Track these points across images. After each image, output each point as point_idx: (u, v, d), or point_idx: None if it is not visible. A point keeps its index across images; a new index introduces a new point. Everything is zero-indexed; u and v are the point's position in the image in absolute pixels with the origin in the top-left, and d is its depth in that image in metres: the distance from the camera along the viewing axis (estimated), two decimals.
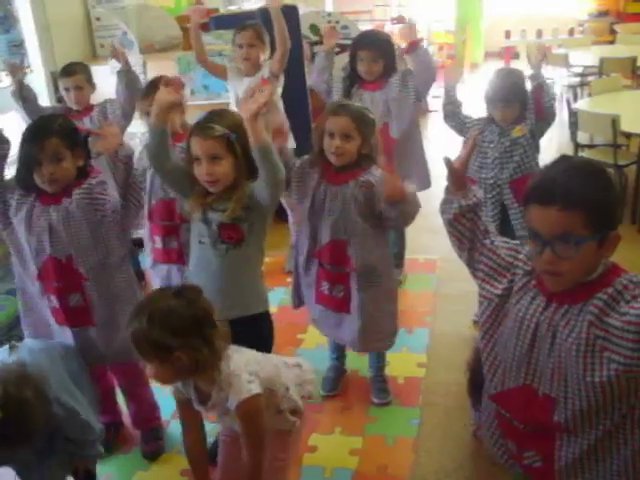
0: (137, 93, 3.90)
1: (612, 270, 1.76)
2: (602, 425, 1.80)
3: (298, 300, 3.36)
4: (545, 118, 3.54)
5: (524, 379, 1.88)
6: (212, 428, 2.80)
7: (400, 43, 4.20)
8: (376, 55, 4.04)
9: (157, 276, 3.69)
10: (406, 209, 2.88)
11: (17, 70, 4.18)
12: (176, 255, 3.55)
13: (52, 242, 2.74)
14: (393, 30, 10.63)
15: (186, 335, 2.08)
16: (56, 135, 2.66)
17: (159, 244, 3.59)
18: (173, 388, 2.30)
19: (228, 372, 2.16)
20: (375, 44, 4.09)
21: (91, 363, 2.89)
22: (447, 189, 2.13)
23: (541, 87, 3.51)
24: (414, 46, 4.04)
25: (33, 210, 2.73)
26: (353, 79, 4.20)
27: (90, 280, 2.80)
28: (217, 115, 2.69)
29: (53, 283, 2.80)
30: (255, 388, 2.16)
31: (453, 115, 3.78)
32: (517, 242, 2.02)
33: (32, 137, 2.68)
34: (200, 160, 2.59)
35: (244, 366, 2.21)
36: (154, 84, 3.36)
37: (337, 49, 6.62)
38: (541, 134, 3.60)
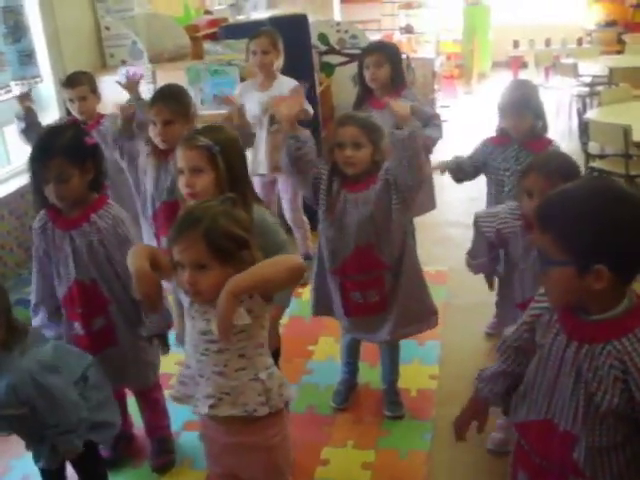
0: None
1: (637, 311, 1.71)
2: (615, 465, 1.77)
3: (318, 309, 3.29)
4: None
5: (546, 413, 1.85)
6: None
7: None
8: (381, 59, 4.03)
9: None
10: (414, 132, 2.86)
11: (25, 99, 4.16)
12: None
13: (77, 266, 2.72)
14: (401, 40, 10.71)
15: (248, 232, 2.04)
16: (60, 154, 2.60)
17: (166, 244, 3.55)
18: (180, 285, 2.09)
19: None
20: (380, 49, 4.12)
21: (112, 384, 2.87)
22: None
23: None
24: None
25: (54, 237, 2.73)
26: (362, 96, 4.18)
27: (114, 302, 2.79)
28: (208, 129, 2.65)
29: (77, 309, 2.77)
30: None
31: (464, 178, 3.73)
32: None
33: (37, 157, 2.64)
34: (182, 171, 2.53)
35: None
36: (162, 94, 3.36)
37: (346, 59, 6.68)
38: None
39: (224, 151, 2.47)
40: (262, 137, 4.45)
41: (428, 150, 3.98)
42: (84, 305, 2.77)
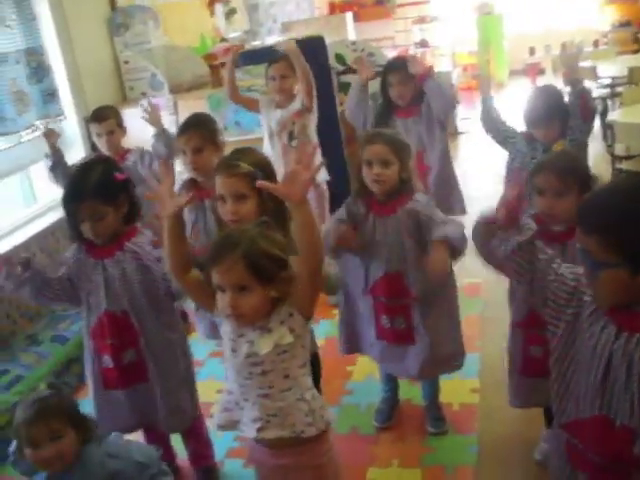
0: (175, 151, 3.88)
1: None
2: None
3: (348, 346, 3.30)
4: (593, 118, 3.59)
5: (599, 409, 1.80)
6: None
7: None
8: (405, 78, 4.05)
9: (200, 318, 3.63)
10: None
11: (51, 135, 4.21)
12: None
13: (108, 296, 2.73)
14: (418, 54, 10.71)
15: (286, 254, 2.04)
16: (92, 196, 2.62)
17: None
18: (222, 308, 2.06)
19: None
20: (404, 67, 4.11)
21: (146, 427, 2.86)
22: (500, 226, 2.05)
23: (584, 89, 3.57)
24: (423, 78, 4.06)
25: (86, 267, 2.74)
26: (386, 108, 4.20)
27: (144, 335, 2.78)
28: (241, 153, 2.66)
29: (107, 340, 2.77)
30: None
31: (492, 127, 3.80)
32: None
33: (70, 198, 2.67)
34: (224, 198, 2.55)
35: None
36: (189, 122, 3.38)
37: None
38: (587, 136, 3.60)
39: (264, 174, 2.48)
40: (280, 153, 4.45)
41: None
42: (114, 336, 2.76)
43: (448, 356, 3.14)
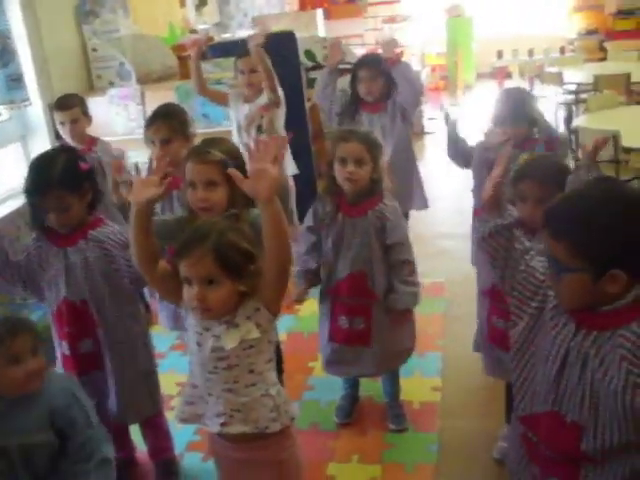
0: None
1: None
2: (631, 463, 1.75)
3: None
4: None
5: (552, 404, 1.83)
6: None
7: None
8: (375, 74, 4.08)
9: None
10: None
11: None
12: None
13: (68, 284, 2.69)
14: (396, 39, 10.72)
15: (254, 247, 2.04)
16: (57, 187, 2.57)
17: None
18: (188, 301, 2.05)
19: None
20: (374, 63, 4.14)
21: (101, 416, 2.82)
22: (484, 208, 2.10)
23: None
24: (394, 61, 4.09)
25: (49, 253, 2.69)
26: (354, 102, 4.21)
27: (102, 326, 2.73)
28: (213, 142, 2.65)
29: (65, 328, 2.74)
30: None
31: (457, 156, 3.73)
32: None
33: (34, 189, 2.61)
34: (195, 185, 2.54)
35: None
36: (158, 113, 3.34)
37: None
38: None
39: (235, 163, 2.47)
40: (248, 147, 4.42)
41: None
42: (72, 325, 2.73)
43: (402, 351, 3.20)
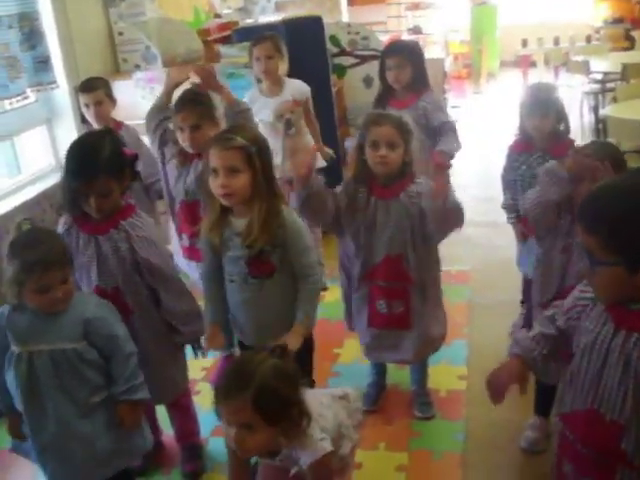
0: None
1: None
2: None
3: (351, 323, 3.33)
4: None
5: (591, 402, 1.82)
6: None
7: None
8: (404, 62, 4.00)
9: (191, 272, 3.59)
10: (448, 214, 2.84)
11: None
12: (187, 252, 3.53)
13: (100, 272, 2.68)
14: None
15: (297, 390, 2.04)
16: (104, 172, 2.56)
17: (186, 242, 3.52)
18: (228, 440, 2.15)
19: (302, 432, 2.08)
20: (402, 50, 4.08)
21: None
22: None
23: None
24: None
25: (78, 241, 2.68)
26: (384, 95, 4.14)
27: (137, 312, 2.73)
28: (237, 128, 2.65)
29: None
30: (327, 446, 2.10)
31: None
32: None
33: (78, 172, 2.58)
34: (217, 172, 2.52)
35: (315, 418, 2.13)
36: (185, 99, 3.31)
37: (356, 60, 6.65)
38: None
39: (259, 151, 2.45)
40: (277, 143, 4.33)
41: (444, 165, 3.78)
42: None
43: (438, 337, 3.20)
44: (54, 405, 2.39)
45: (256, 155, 2.50)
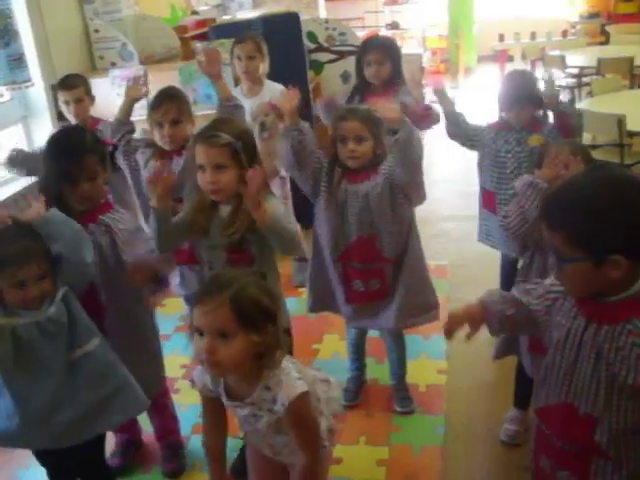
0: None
1: None
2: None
3: (318, 304, 3.31)
4: (573, 135, 3.44)
5: (565, 397, 1.84)
6: (234, 443, 2.75)
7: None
8: (383, 58, 4.01)
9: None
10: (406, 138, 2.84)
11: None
12: (187, 256, 3.45)
13: None
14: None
15: (277, 308, 1.98)
16: (92, 151, 2.59)
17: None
18: (199, 385, 2.14)
19: (279, 368, 2.01)
20: (382, 46, 4.07)
21: None
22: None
23: (563, 113, 3.42)
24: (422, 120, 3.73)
25: None
26: (361, 89, 4.14)
27: (111, 311, 2.71)
28: (222, 123, 2.65)
29: None
30: (304, 385, 2.01)
31: (458, 134, 3.71)
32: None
33: (67, 153, 2.59)
34: (204, 168, 2.54)
35: (291, 365, 2.07)
36: (165, 94, 3.30)
37: (335, 56, 6.64)
38: None
39: (244, 145, 2.46)
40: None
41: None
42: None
43: (422, 306, 3.17)
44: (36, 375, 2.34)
45: (242, 150, 2.52)
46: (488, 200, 3.63)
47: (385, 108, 2.89)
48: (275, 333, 1.93)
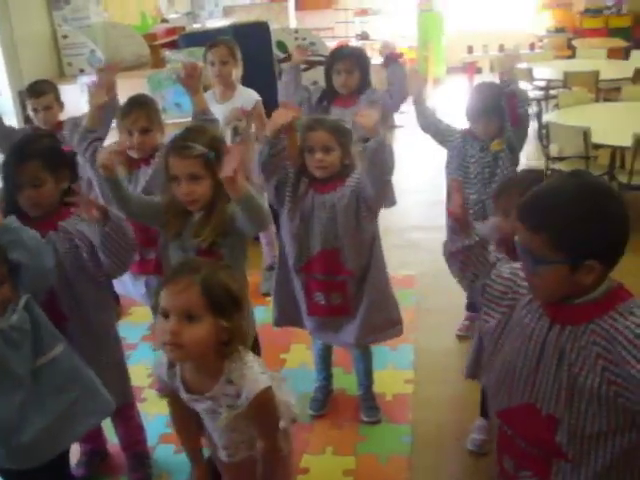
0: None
1: (616, 292, 1.75)
2: (602, 458, 1.78)
3: (282, 319, 3.31)
4: (521, 124, 3.52)
5: (528, 397, 1.85)
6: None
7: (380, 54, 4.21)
8: (352, 67, 4.03)
9: (135, 292, 3.57)
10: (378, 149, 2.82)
11: None
12: (153, 266, 3.43)
13: None
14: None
15: (242, 296, 1.98)
16: (37, 158, 2.55)
17: (136, 256, 3.45)
18: (157, 378, 2.15)
19: (242, 362, 1.99)
20: (352, 56, 4.09)
21: None
22: (452, 229, 2.14)
23: (513, 93, 3.49)
24: (393, 58, 4.06)
25: None
26: (328, 96, 4.17)
27: (71, 318, 2.67)
28: (194, 132, 2.64)
29: None
30: (267, 380, 2.00)
31: (429, 125, 3.80)
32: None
33: (13, 160, 2.59)
34: (179, 180, 2.54)
35: (253, 358, 2.06)
36: (135, 102, 3.29)
37: (304, 66, 6.65)
38: (521, 143, 3.59)
39: (217, 155, 2.46)
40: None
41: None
42: None
43: (385, 322, 3.16)
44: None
45: (215, 160, 2.51)
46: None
47: (362, 114, 2.87)
48: (239, 322, 1.94)
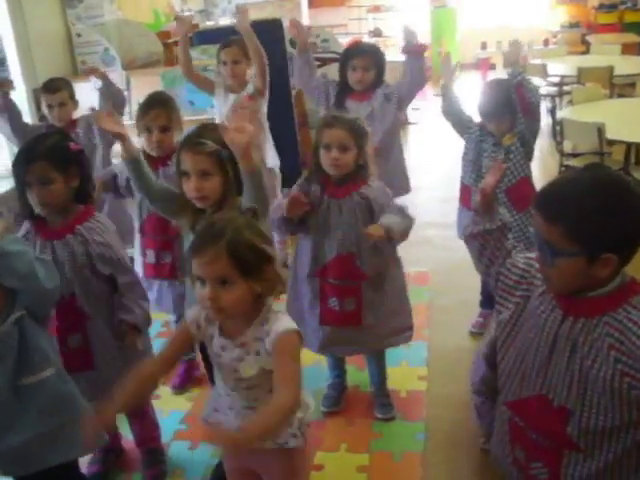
0: (121, 106, 3.82)
1: (630, 286, 1.76)
2: (613, 450, 1.79)
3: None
4: (532, 114, 3.51)
5: (540, 388, 1.86)
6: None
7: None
8: (369, 64, 4.02)
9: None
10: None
11: (4, 84, 4.09)
12: (169, 270, 3.44)
13: None
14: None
15: (271, 249, 1.99)
16: (44, 158, 2.55)
17: (151, 259, 3.45)
18: (189, 319, 2.10)
19: (275, 312, 2.03)
20: (369, 53, 4.10)
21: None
22: (476, 211, 2.13)
23: (521, 84, 3.47)
24: (418, 50, 4.06)
25: (36, 245, 2.63)
26: (341, 92, 4.16)
27: (93, 320, 2.69)
28: (208, 130, 2.63)
29: (54, 323, 2.66)
30: (297, 328, 2.02)
31: (453, 113, 3.82)
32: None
33: (21, 160, 2.60)
34: (189, 175, 2.53)
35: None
36: (155, 100, 3.30)
37: (317, 62, 6.64)
38: (534, 135, 3.58)
39: (230, 153, 2.46)
40: None
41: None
42: (60, 320, 2.65)
43: (397, 328, 3.18)
44: None
45: (227, 158, 2.50)
46: (465, 194, 3.75)
47: (369, 228, 2.81)
48: (271, 271, 1.97)
